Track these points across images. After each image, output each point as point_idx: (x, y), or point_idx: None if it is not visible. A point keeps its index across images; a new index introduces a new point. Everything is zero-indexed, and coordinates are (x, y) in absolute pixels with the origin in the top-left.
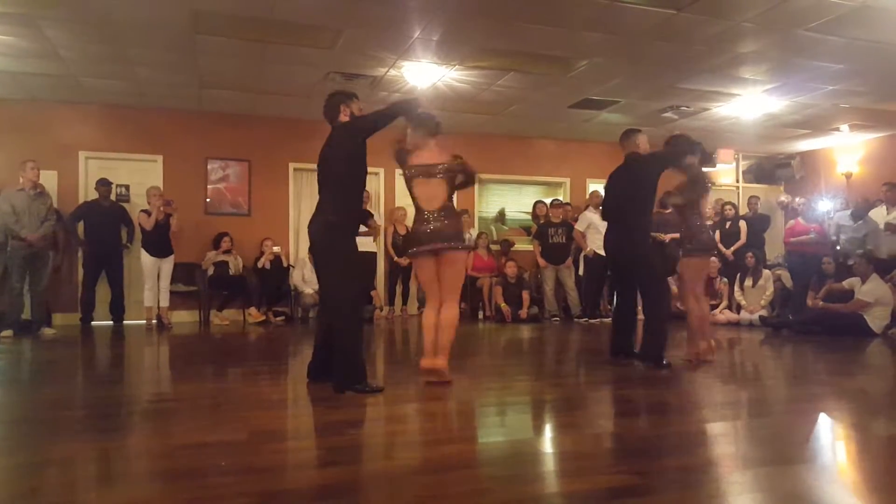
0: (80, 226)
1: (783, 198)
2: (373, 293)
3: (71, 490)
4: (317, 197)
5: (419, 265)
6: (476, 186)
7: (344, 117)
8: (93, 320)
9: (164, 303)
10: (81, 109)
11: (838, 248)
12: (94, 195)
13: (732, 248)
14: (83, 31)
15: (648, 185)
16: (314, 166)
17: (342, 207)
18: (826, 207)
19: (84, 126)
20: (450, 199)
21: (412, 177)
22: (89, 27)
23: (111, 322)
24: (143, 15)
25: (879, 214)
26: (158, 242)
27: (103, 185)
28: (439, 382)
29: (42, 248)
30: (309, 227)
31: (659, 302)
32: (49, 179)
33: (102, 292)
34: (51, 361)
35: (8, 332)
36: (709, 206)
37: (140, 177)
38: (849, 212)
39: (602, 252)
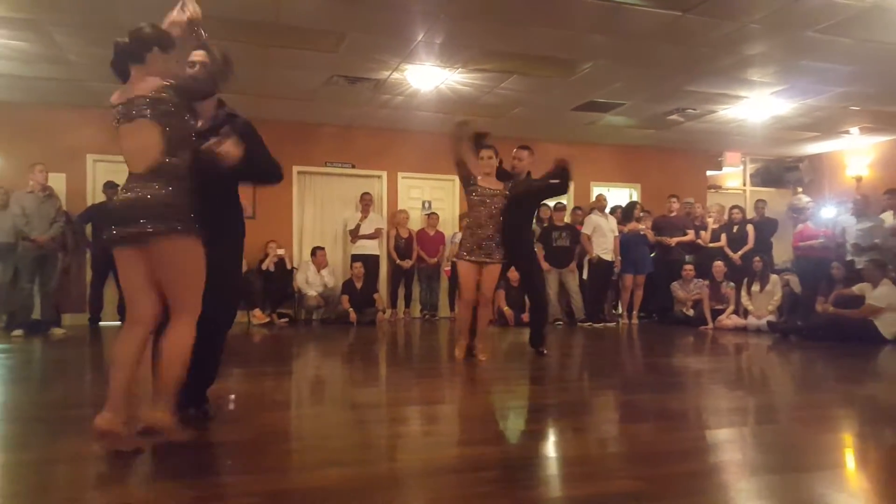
0: (89, 227)
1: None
2: (375, 296)
3: (79, 487)
4: (321, 198)
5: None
6: None
7: None
8: (101, 321)
9: None
10: (89, 113)
11: (848, 254)
12: (101, 197)
13: (740, 253)
14: (91, 37)
15: None
16: (318, 169)
17: None
18: (832, 214)
19: (92, 129)
20: None
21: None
22: (97, 32)
23: (119, 322)
24: (150, 20)
25: (886, 219)
26: None
27: (111, 187)
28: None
29: (51, 249)
30: None
31: None
32: (58, 182)
33: (110, 293)
34: (60, 361)
35: (19, 332)
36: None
37: None
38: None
39: (606, 256)
